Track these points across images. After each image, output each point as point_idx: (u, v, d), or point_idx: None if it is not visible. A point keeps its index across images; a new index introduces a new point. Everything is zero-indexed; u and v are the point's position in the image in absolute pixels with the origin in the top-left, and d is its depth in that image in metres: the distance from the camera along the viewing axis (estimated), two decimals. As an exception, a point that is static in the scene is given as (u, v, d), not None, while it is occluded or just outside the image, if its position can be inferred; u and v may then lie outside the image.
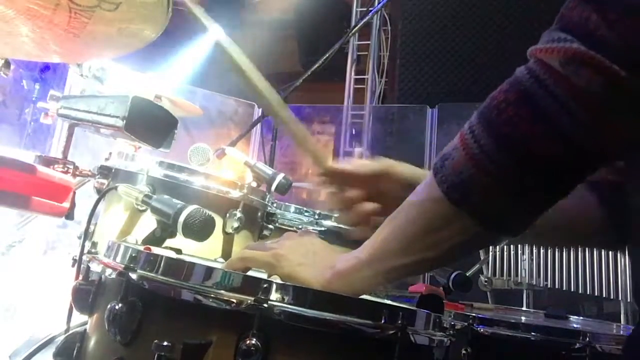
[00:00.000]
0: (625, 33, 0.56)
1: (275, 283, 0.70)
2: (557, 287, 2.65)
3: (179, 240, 1.18)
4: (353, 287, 0.75)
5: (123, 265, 0.77)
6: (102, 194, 1.45)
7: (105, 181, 1.54)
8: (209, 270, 0.72)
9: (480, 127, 0.63)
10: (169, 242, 1.21)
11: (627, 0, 0.57)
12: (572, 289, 2.64)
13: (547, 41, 0.61)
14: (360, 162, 1.01)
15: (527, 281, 2.69)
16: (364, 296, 0.83)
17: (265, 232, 1.67)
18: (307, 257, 0.80)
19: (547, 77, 0.59)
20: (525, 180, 0.62)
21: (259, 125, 2.90)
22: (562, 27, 0.61)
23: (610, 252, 2.61)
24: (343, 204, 0.99)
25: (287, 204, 1.95)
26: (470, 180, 0.63)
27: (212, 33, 0.97)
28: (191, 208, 1.18)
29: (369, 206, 0.96)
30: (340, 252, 0.81)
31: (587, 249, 2.63)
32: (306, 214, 1.94)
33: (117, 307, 0.74)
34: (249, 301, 0.67)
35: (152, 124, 1.53)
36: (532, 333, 1.29)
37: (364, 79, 5.01)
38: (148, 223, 1.34)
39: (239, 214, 1.51)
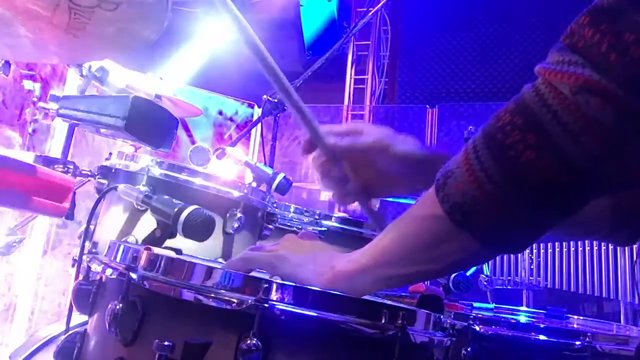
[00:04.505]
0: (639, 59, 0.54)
1: (276, 283, 0.70)
2: (557, 287, 2.66)
3: (179, 240, 1.18)
4: (354, 289, 0.75)
5: (124, 265, 0.77)
6: (102, 194, 1.45)
7: (105, 181, 1.55)
8: (210, 270, 0.72)
9: (484, 148, 0.62)
10: (169, 242, 1.21)
11: None
12: (572, 289, 2.65)
13: (556, 62, 0.59)
14: (356, 128, 0.93)
15: (527, 281, 2.69)
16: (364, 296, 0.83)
17: (266, 232, 1.67)
18: (308, 258, 0.80)
19: (556, 104, 0.57)
20: (529, 205, 0.61)
21: (259, 125, 2.90)
22: (572, 47, 0.58)
23: (610, 252, 2.61)
24: (333, 179, 0.93)
25: (287, 204, 1.95)
26: (473, 202, 0.62)
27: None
28: (191, 208, 1.18)
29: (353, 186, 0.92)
30: (340, 253, 0.81)
31: (587, 248, 2.63)
32: (306, 214, 1.94)
33: (117, 307, 0.74)
34: (250, 301, 0.67)
35: (152, 124, 1.52)
36: (532, 333, 1.29)
37: (364, 79, 5.02)
38: (148, 223, 1.34)
39: (239, 214, 1.51)
